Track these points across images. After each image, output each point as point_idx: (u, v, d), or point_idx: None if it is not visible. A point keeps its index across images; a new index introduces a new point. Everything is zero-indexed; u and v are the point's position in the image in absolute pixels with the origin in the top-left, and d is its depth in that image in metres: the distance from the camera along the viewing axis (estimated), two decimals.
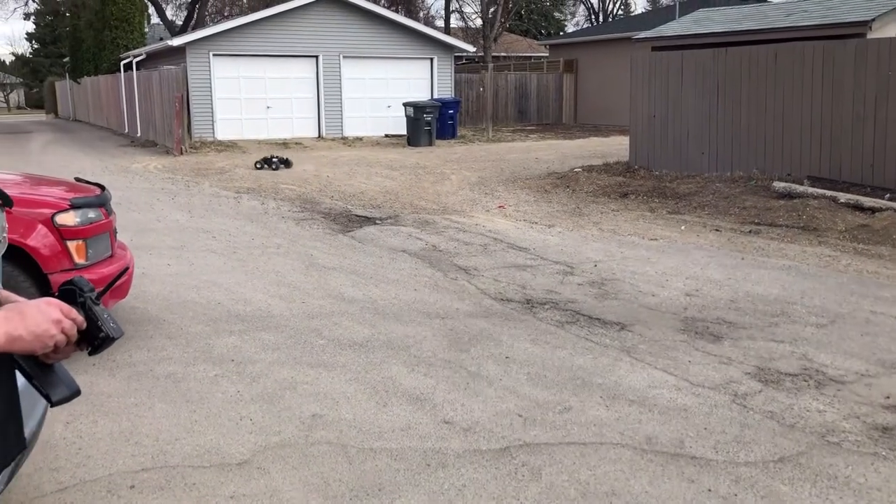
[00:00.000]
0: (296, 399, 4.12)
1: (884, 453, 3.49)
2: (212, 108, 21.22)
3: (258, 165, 15.25)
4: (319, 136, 22.53)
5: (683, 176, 11.99)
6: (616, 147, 18.14)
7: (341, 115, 22.81)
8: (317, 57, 22.23)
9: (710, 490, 3.18)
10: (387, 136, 22.89)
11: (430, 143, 20.59)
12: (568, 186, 12.17)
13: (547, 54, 34.27)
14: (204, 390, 4.25)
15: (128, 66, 24.63)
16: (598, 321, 5.48)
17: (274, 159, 15.35)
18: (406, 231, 8.96)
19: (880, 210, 8.82)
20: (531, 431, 3.73)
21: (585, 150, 18.87)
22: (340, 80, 22.63)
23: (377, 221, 9.63)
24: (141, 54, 24.46)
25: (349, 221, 9.67)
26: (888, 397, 4.10)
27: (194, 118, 20.86)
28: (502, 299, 6.07)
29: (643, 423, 3.82)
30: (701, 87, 12.19)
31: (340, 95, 22.70)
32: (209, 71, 21.12)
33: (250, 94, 21.78)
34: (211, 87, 21.16)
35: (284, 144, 20.66)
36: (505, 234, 8.74)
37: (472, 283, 6.57)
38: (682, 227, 9.04)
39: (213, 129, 21.23)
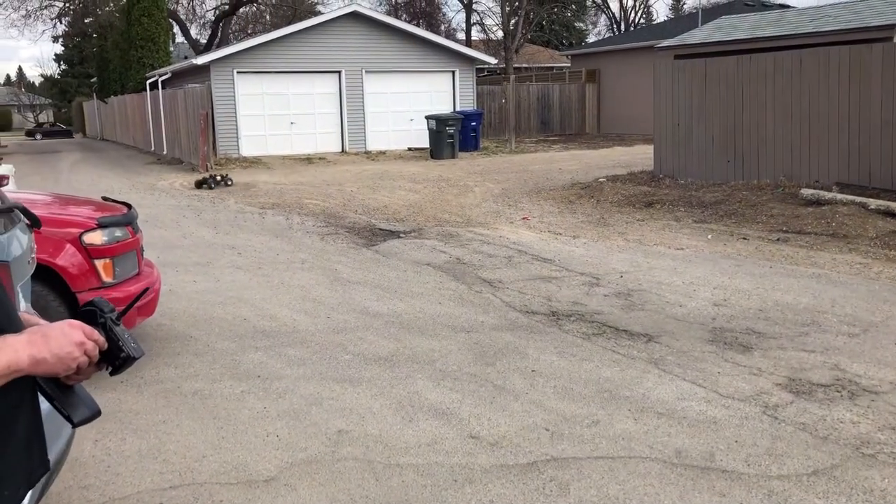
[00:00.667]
0: (322, 415, 4.12)
1: None
2: (236, 125, 21.43)
3: (209, 185, 15.14)
4: (343, 151, 22.66)
5: (709, 184, 11.88)
6: (640, 156, 18.04)
7: (364, 129, 22.93)
8: (339, 72, 22.39)
9: None
10: (410, 149, 22.96)
11: (453, 156, 20.62)
12: (592, 197, 12.11)
13: (569, 64, 34.24)
14: (230, 407, 4.26)
15: (153, 85, 24.98)
16: (625, 333, 5.43)
17: (218, 177, 15.49)
18: (430, 244, 8.96)
19: None
20: (559, 446, 3.69)
21: (609, 159, 18.79)
22: (363, 94, 22.76)
23: (401, 235, 9.64)
24: (166, 73, 24.82)
25: (373, 235, 9.69)
26: None
27: (219, 135, 21.08)
28: (528, 312, 6.03)
29: (672, 436, 3.77)
30: (725, 94, 12.09)
31: (363, 110, 22.83)
32: (233, 88, 21.34)
33: (274, 110, 21.97)
34: (235, 104, 21.38)
35: (308, 160, 20.81)
36: (529, 245, 8.71)
37: (496, 296, 6.54)
38: (709, 236, 8.95)
39: (237, 145, 21.44)
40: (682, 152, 12.94)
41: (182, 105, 20.98)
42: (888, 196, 9.57)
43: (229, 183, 15.36)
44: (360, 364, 4.92)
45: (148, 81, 25.88)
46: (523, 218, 10.67)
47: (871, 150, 10.18)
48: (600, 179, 13.74)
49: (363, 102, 22.79)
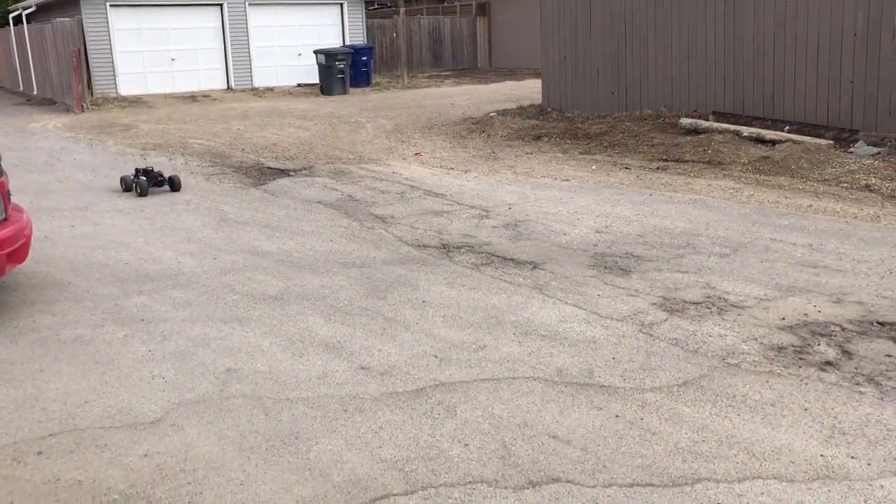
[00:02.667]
0: (209, 355, 4.07)
1: (778, 371, 3.69)
2: (112, 63, 20.27)
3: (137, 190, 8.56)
4: (229, 88, 21.84)
5: (594, 116, 12.15)
6: (530, 90, 18.21)
7: (250, 65, 22.12)
8: (221, 5, 21.41)
9: (617, 416, 3.31)
10: (299, 85, 22.36)
11: (345, 92, 20.24)
12: (483, 131, 12.19)
13: None
14: (113, 352, 4.15)
15: (18, 20, 23.21)
16: (512, 261, 5.57)
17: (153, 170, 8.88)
18: (321, 182, 8.84)
19: (780, 142, 9.15)
20: (446, 371, 3.79)
21: (500, 94, 18.89)
22: (247, 28, 21.89)
23: (291, 173, 9.47)
24: (31, 6, 23.05)
25: (261, 174, 9.48)
26: (783, 319, 4.32)
27: (94, 73, 19.91)
28: (419, 245, 6.09)
29: (554, 356, 3.93)
30: (609, 27, 12.29)
31: (248, 45, 21.98)
32: (107, 23, 20.10)
33: (153, 46, 20.87)
34: (110, 40, 20.17)
35: (192, 98, 19.98)
36: (422, 181, 8.73)
37: (388, 231, 6.56)
38: (594, 167, 9.20)
39: (115, 84, 20.32)
40: (568, 85, 13.14)
41: (51, 41, 19.61)
42: (760, 123, 10.05)
43: (177, 187, 8.74)
44: (249, 303, 4.86)
45: (11, 16, 24.00)
46: (416, 154, 10.65)
47: (745, 80, 10.62)
48: (491, 114, 13.82)
49: (248, 37, 21.94)
